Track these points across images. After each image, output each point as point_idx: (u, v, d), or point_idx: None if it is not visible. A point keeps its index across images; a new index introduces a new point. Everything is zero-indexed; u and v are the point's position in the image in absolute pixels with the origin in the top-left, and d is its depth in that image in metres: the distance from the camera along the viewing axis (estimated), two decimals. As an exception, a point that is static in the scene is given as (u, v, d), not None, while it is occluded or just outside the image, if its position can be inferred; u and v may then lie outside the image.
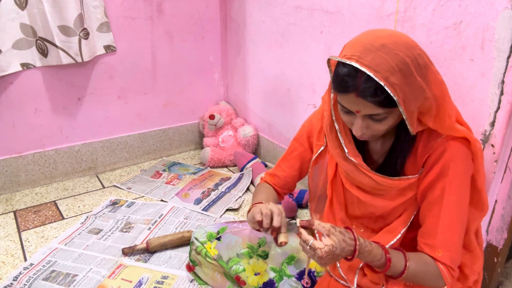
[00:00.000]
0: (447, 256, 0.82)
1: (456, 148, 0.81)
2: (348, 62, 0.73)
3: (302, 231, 0.78)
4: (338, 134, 0.89)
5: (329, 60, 0.83)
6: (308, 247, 0.75)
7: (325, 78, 1.52)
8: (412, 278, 0.82)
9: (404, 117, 0.75)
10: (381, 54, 0.71)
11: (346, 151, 0.88)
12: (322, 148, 1.01)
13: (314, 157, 1.03)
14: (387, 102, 0.73)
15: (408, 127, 0.77)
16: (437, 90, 0.77)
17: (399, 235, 0.89)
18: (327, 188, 1.00)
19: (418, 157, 0.85)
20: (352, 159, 0.88)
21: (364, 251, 0.78)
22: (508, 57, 0.94)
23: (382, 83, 0.70)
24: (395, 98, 0.71)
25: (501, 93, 0.97)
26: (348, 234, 0.78)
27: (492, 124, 1.01)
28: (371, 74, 0.70)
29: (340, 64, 0.76)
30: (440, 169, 0.81)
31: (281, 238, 0.87)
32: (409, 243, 0.93)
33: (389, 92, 0.71)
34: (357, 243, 0.77)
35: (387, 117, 0.77)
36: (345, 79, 0.74)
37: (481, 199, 0.87)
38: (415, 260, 0.82)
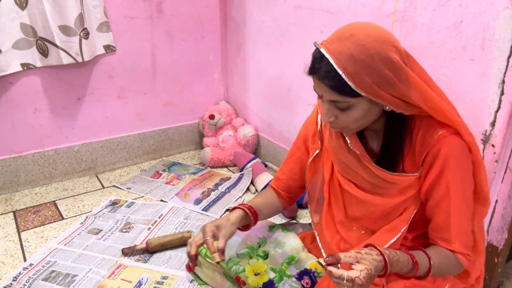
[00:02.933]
0: (462, 246, 0.84)
1: (451, 142, 0.81)
2: (317, 46, 0.80)
3: (331, 268, 0.73)
4: None
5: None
6: (345, 281, 0.71)
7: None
8: (437, 273, 0.83)
9: (384, 104, 0.77)
10: (346, 44, 0.75)
11: (348, 141, 0.89)
12: (317, 151, 1.02)
13: (310, 160, 1.04)
14: (347, 90, 0.76)
15: (390, 108, 0.79)
16: (418, 87, 0.78)
17: (400, 233, 0.89)
18: (324, 191, 1.00)
19: (416, 155, 0.85)
20: (355, 149, 0.88)
21: (393, 262, 0.77)
22: (509, 57, 0.94)
23: (339, 71, 0.75)
24: (352, 86, 0.75)
25: (502, 93, 0.97)
26: (374, 251, 0.76)
27: (493, 124, 1.00)
28: (332, 61, 0.75)
29: (316, 48, 0.81)
30: (440, 166, 0.82)
31: (216, 258, 0.87)
32: (411, 244, 0.93)
33: (346, 80, 0.75)
34: (385, 256, 0.76)
35: (350, 108, 0.79)
36: (313, 62, 0.80)
37: (482, 192, 0.87)
38: (436, 255, 0.83)
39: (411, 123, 0.85)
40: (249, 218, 0.99)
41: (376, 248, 0.77)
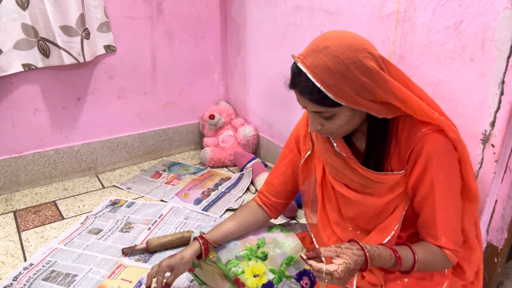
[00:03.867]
0: (449, 241, 0.85)
1: (434, 140, 0.82)
2: (295, 60, 0.80)
3: (311, 262, 0.76)
4: None
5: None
6: (324, 274, 0.75)
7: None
8: (423, 268, 0.85)
9: (365, 111, 0.79)
10: (321, 56, 0.76)
11: (335, 145, 0.90)
12: (308, 152, 1.02)
13: (302, 161, 1.04)
14: (328, 102, 0.78)
15: (372, 114, 0.80)
16: (397, 90, 0.78)
17: (393, 232, 0.90)
18: (317, 192, 1.00)
19: (402, 153, 0.86)
20: (342, 152, 0.89)
21: (374, 257, 0.79)
22: (509, 57, 0.94)
23: (318, 84, 0.76)
24: (333, 98, 0.76)
25: (501, 93, 0.97)
26: (354, 246, 0.79)
27: (492, 124, 1.00)
28: (309, 75, 0.76)
29: (294, 61, 0.82)
30: (424, 163, 0.83)
31: None
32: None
33: (326, 92, 0.76)
34: (365, 251, 0.78)
35: (334, 116, 0.81)
36: (292, 76, 0.82)
37: (471, 189, 0.87)
38: (422, 251, 0.85)
39: (396, 122, 0.86)
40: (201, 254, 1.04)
41: (357, 242, 0.80)
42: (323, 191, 1.00)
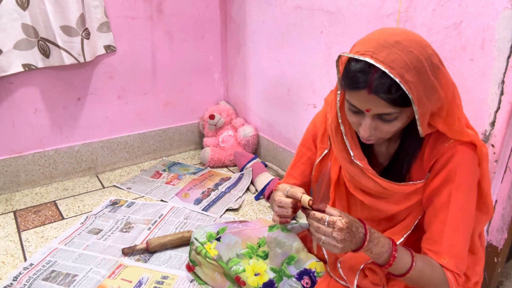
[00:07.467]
0: (452, 263, 0.80)
1: (464, 153, 0.79)
2: (361, 58, 0.71)
3: (316, 212, 0.75)
4: (344, 137, 0.87)
5: (338, 58, 0.80)
6: (326, 224, 0.73)
7: (325, 78, 1.52)
8: (416, 279, 0.80)
9: (416, 117, 0.73)
10: (396, 51, 0.70)
11: (352, 154, 0.86)
12: (325, 151, 0.99)
13: (318, 160, 1.01)
14: (400, 101, 0.71)
15: (419, 128, 0.76)
16: (448, 92, 0.76)
17: (402, 239, 0.88)
18: (330, 191, 0.98)
19: (424, 162, 0.84)
20: (358, 162, 0.86)
21: (373, 238, 0.77)
22: (508, 57, 0.94)
23: (397, 80, 0.68)
24: (410, 96, 0.70)
25: (501, 93, 0.97)
26: (355, 218, 0.78)
27: (492, 124, 1.01)
28: (387, 70, 0.69)
29: (352, 60, 0.74)
30: (447, 174, 0.80)
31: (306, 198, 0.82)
32: (412, 246, 0.92)
33: (405, 89, 0.69)
34: (366, 225, 0.77)
35: (397, 118, 0.75)
36: (357, 75, 0.72)
37: (486, 203, 0.86)
38: (422, 261, 0.80)
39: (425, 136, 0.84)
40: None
41: (359, 219, 0.80)
42: (335, 192, 0.97)
